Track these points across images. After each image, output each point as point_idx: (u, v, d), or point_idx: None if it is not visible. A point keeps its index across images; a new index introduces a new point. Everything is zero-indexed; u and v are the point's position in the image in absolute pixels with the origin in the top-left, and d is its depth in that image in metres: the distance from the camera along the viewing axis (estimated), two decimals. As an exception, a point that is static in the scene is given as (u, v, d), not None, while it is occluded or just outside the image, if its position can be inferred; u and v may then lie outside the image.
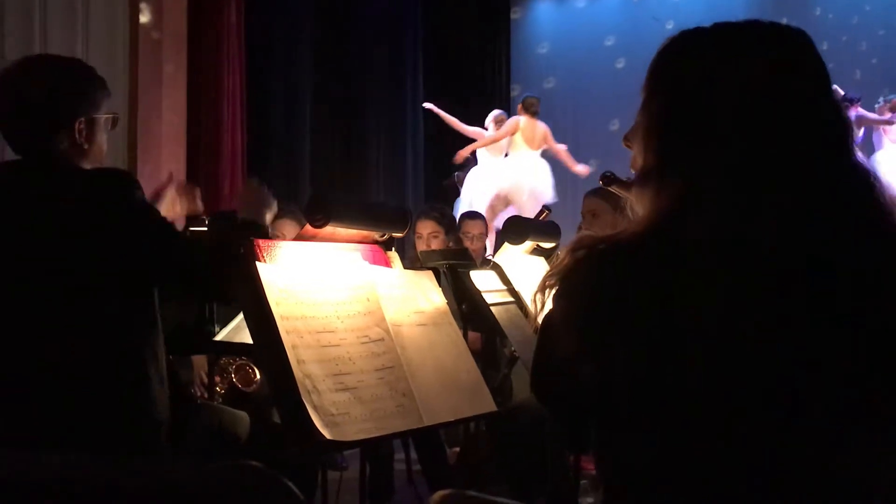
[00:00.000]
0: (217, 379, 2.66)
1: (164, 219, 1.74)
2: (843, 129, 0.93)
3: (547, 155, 7.20)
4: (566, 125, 8.82)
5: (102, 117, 1.76)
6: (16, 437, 1.54)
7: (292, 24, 7.60)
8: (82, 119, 1.71)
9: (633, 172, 1.05)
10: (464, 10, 9.24)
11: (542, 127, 6.99)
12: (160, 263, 1.67)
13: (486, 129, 7.28)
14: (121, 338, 1.65)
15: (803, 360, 0.83)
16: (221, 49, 6.50)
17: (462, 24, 9.25)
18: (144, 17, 5.73)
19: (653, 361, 0.87)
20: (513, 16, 9.81)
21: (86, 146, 1.73)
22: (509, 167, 6.99)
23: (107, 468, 0.50)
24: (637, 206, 1.02)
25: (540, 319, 1.05)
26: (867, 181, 0.91)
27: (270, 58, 7.47)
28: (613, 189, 1.38)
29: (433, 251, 3.32)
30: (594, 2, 9.68)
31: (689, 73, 0.97)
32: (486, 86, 9.49)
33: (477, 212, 4.99)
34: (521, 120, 6.92)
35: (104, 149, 1.79)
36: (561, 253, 0.99)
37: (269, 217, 1.90)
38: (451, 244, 3.78)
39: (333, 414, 1.47)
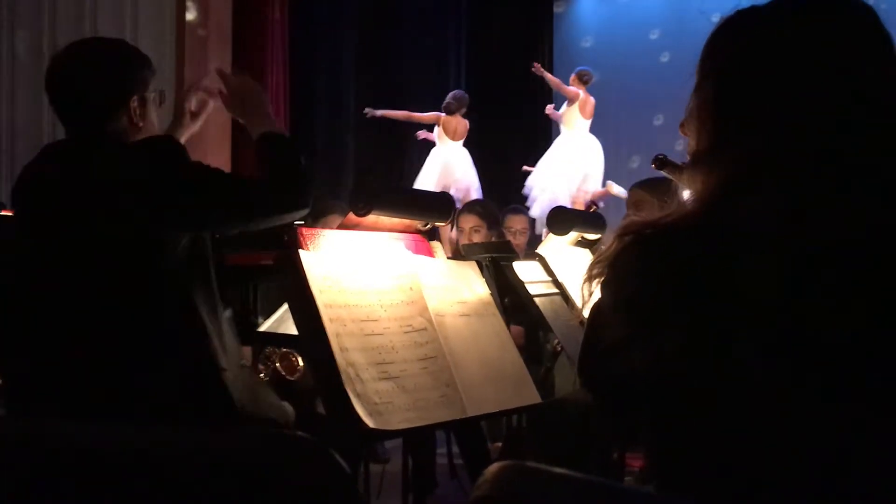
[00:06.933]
0: (261, 367, 2.68)
1: (217, 169, 1.76)
2: None
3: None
4: (610, 120, 8.74)
5: (152, 94, 1.81)
6: (76, 413, 1.56)
7: (336, 20, 7.66)
8: (136, 97, 1.76)
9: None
10: (507, 5, 9.20)
11: (464, 122, 7.37)
12: (228, 208, 1.71)
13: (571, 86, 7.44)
14: (185, 310, 1.66)
15: (866, 343, 0.80)
16: (266, 46, 6.58)
17: (505, 18, 9.21)
18: (191, 15, 5.82)
19: (705, 346, 0.84)
20: (556, 9, 9.74)
21: (140, 123, 1.77)
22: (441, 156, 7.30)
23: (144, 436, 0.49)
24: (689, 189, 0.99)
25: (587, 310, 1.03)
26: None
27: (314, 54, 7.52)
28: (665, 171, 1.35)
29: (475, 244, 3.31)
30: (639, -5, 9.56)
31: (743, 50, 0.94)
32: (529, 80, 9.44)
33: (520, 207, 4.96)
34: (443, 116, 7.28)
35: (156, 125, 1.84)
36: (606, 240, 0.97)
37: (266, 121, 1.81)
38: (493, 239, 3.76)
39: (377, 403, 1.46)
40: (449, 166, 7.17)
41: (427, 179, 7.11)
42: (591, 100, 7.36)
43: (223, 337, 1.72)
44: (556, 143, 7.42)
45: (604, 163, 7.35)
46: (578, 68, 7.55)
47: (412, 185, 8.22)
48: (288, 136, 1.82)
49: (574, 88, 7.31)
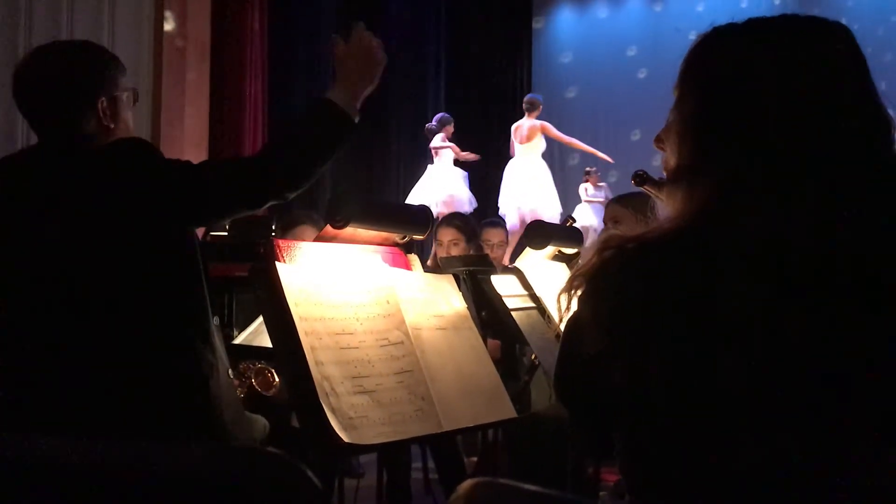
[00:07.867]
0: (236, 383, 2.65)
1: (188, 162, 1.73)
2: (884, 122, 0.91)
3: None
4: (587, 135, 8.82)
5: (123, 94, 1.76)
6: (63, 425, 1.52)
7: (315, 32, 7.65)
8: (104, 98, 1.71)
9: (665, 174, 1.03)
10: (486, 20, 9.27)
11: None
12: (219, 195, 1.69)
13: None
14: (173, 318, 1.63)
15: (845, 358, 0.80)
16: (244, 57, 6.56)
17: (484, 33, 9.27)
18: (169, 26, 5.79)
19: (686, 361, 0.84)
20: (535, 25, 9.83)
21: (112, 125, 1.73)
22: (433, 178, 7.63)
23: (112, 451, 0.48)
24: (668, 205, 0.99)
25: (564, 322, 1.03)
26: None
27: (292, 66, 7.52)
28: (645, 189, 1.35)
29: (453, 257, 3.30)
30: (616, 12, 9.67)
31: (722, 68, 0.94)
32: (508, 95, 9.50)
33: (498, 220, 4.98)
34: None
35: (131, 125, 1.79)
36: (586, 253, 0.97)
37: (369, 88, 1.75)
38: (471, 252, 3.76)
39: (352, 417, 1.45)
40: (439, 184, 7.39)
41: (417, 197, 7.27)
42: (527, 124, 7.58)
43: (213, 342, 1.69)
44: (507, 168, 7.75)
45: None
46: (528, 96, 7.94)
47: (387, 196, 8.25)
48: (348, 119, 1.73)
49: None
